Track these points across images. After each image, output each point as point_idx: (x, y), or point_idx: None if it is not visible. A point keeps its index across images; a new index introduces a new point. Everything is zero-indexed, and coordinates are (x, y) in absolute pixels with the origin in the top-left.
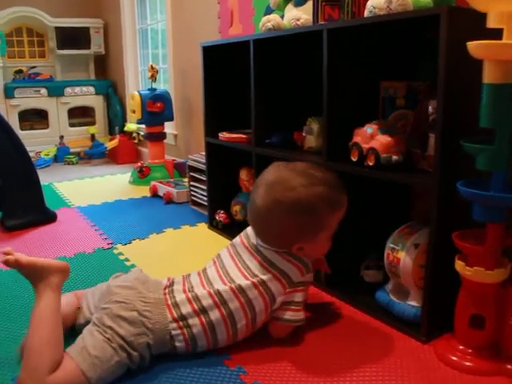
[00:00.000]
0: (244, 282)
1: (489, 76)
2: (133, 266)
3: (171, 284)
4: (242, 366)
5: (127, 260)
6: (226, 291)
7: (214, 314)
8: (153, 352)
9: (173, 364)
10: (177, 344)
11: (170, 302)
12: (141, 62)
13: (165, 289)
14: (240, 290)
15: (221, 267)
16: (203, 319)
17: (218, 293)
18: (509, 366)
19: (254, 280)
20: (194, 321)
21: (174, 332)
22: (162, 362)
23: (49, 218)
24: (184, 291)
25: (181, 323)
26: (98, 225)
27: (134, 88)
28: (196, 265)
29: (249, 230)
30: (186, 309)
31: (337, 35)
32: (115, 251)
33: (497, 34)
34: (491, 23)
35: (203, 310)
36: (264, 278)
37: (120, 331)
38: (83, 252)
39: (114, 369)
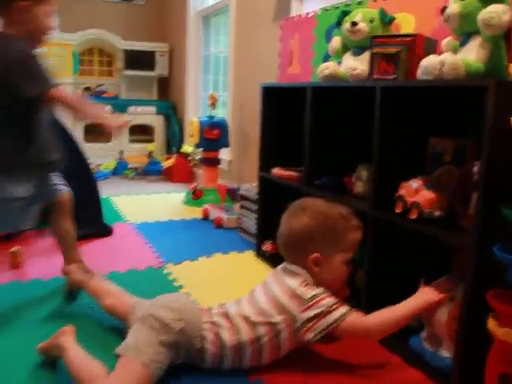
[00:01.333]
0: (276, 319)
1: None
2: (180, 286)
3: (209, 309)
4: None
5: (175, 281)
6: (260, 325)
7: (243, 335)
8: (185, 344)
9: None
10: (206, 345)
11: (206, 313)
12: (202, 87)
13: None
14: (271, 325)
15: (252, 299)
16: (233, 337)
17: (251, 322)
18: None
19: (285, 316)
20: (224, 332)
21: (205, 332)
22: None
23: (105, 231)
24: (219, 309)
25: (213, 328)
26: (151, 242)
27: (193, 110)
28: (241, 291)
29: (280, 265)
30: (219, 319)
31: (389, 93)
32: (165, 271)
33: None
34: None
35: (233, 327)
36: (291, 309)
37: (159, 314)
38: (135, 269)
39: (163, 350)
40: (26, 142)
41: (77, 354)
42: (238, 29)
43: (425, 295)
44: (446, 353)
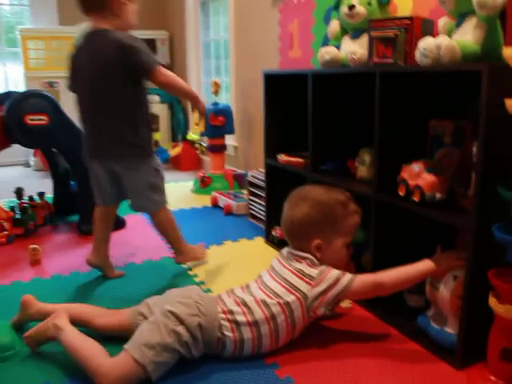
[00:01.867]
0: (290, 298)
1: None
2: (195, 275)
3: (220, 297)
4: (290, 376)
5: (190, 269)
6: (275, 305)
7: (259, 315)
8: (204, 337)
9: (222, 365)
10: (225, 333)
11: (220, 302)
12: (204, 73)
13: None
14: (286, 305)
15: (262, 283)
16: (249, 318)
17: (265, 303)
18: None
19: (297, 294)
20: (240, 317)
21: (222, 322)
22: (211, 362)
23: (119, 224)
24: (231, 297)
25: (229, 317)
26: None
27: None
28: (253, 277)
29: (283, 250)
30: (234, 307)
31: (389, 77)
32: None
33: None
34: None
35: (250, 313)
36: (302, 288)
37: (176, 310)
38: (150, 259)
39: (166, 354)
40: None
41: (74, 333)
42: (237, 13)
43: (439, 259)
44: (450, 330)
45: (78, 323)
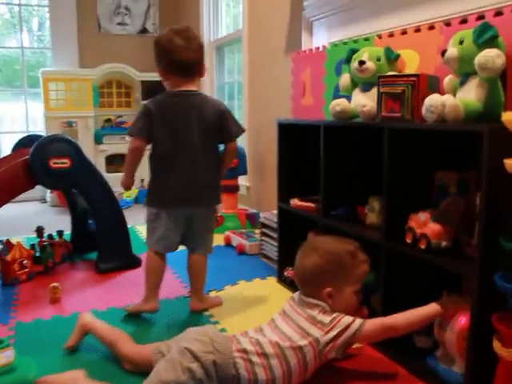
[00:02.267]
0: (302, 342)
1: None
2: (210, 315)
3: (235, 337)
4: None
5: (205, 310)
6: (287, 348)
7: (273, 358)
8: (219, 374)
9: None
10: (240, 371)
11: (235, 341)
12: None
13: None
14: (298, 349)
15: (275, 327)
16: (263, 361)
17: (279, 346)
18: None
19: (309, 339)
20: (254, 357)
21: (237, 360)
22: None
23: (135, 263)
24: (246, 338)
25: (244, 355)
26: (178, 272)
27: None
28: (267, 317)
29: (294, 295)
30: (248, 346)
31: (396, 132)
32: None
33: None
34: None
35: (264, 354)
36: (314, 333)
37: (192, 347)
38: (167, 298)
39: None
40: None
41: (103, 326)
42: (251, 58)
43: (445, 303)
44: (458, 370)
45: (109, 344)
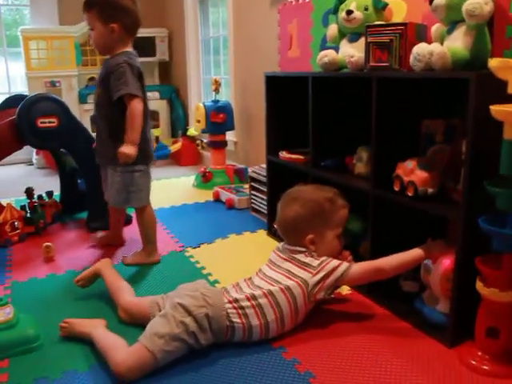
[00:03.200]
0: (291, 283)
1: (506, 133)
2: (202, 268)
3: (225, 289)
4: (296, 357)
5: (198, 262)
6: (277, 291)
7: (263, 300)
8: (212, 326)
9: (230, 351)
10: (233, 320)
11: (225, 293)
12: (203, 69)
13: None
14: (288, 290)
15: (264, 275)
16: (253, 302)
17: (270, 292)
18: None
19: (298, 280)
20: (246, 303)
21: (229, 310)
22: (220, 349)
23: (126, 220)
24: (236, 290)
25: (235, 304)
26: (169, 228)
27: (196, 94)
28: (258, 268)
29: (279, 245)
30: (238, 295)
31: (384, 81)
32: (186, 254)
33: None
34: (510, 89)
35: (254, 297)
36: (303, 276)
37: (184, 302)
38: (160, 254)
39: (174, 344)
40: None
41: (111, 273)
42: (236, 10)
43: (429, 247)
44: (442, 309)
45: (112, 291)
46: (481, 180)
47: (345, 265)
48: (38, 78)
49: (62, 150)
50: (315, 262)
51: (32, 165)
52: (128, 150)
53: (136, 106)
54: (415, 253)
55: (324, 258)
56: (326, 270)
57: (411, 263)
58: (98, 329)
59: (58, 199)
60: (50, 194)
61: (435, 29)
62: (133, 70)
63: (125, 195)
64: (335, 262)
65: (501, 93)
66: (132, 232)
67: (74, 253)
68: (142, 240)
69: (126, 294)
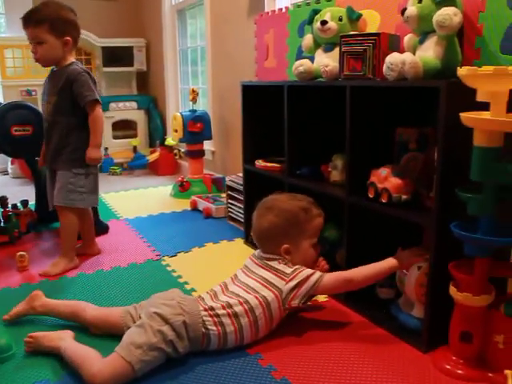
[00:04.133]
0: (266, 292)
1: (476, 140)
2: (179, 276)
3: (200, 297)
4: (272, 364)
5: (174, 271)
6: (252, 299)
7: (238, 308)
8: (189, 334)
9: (208, 358)
10: (209, 327)
11: (200, 300)
12: (180, 79)
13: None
14: (263, 298)
15: (239, 281)
16: (229, 310)
17: (244, 299)
18: (490, 375)
19: (273, 289)
20: (221, 311)
21: (205, 318)
22: (197, 356)
23: (103, 229)
24: (211, 298)
25: (210, 312)
26: (145, 237)
27: (174, 103)
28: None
29: (255, 252)
30: (213, 303)
31: (358, 90)
32: (163, 262)
33: (487, 104)
34: (479, 97)
35: (229, 305)
36: (276, 283)
37: (161, 311)
38: (135, 263)
39: (152, 353)
40: None
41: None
42: (214, 22)
43: (400, 257)
44: (416, 314)
45: (72, 316)
46: (452, 187)
47: (318, 274)
48: (13, 87)
49: (36, 158)
50: (288, 270)
51: (7, 174)
52: (95, 153)
53: (99, 111)
54: (387, 263)
55: (297, 266)
56: (299, 277)
57: (382, 273)
58: (66, 341)
59: (33, 208)
60: (25, 203)
61: (407, 39)
62: (91, 77)
63: (74, 195)
64: (308, 271)
65: (470, 100)
66: (108, 240)
67: (48, 262)
68: (62, 246)
69: (88, 311)
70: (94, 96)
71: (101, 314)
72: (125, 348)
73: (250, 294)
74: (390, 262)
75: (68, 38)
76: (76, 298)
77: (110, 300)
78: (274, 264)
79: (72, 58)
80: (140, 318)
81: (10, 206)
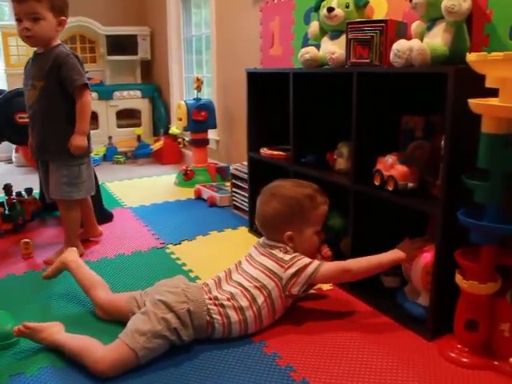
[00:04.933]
0: (267, 281)
1: (485, 126)
2: (184, 264)
3: (205, 283)
4: (277, 351)
5: (178, 259)
6: (253, 288)
7: (243, 301)
8: (194, 322)
9: (212, 345)
10: (213, 316)
11: (205, 287)
12: (185, 68)
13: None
14: (264, 288)
15: (242, 270)
16: (234, 303)
17: (246, 288)
18: (496, 363)
19: (272, 276)
20: (226, 303)
21: (210, 306)
22: (202, 344)
23: (107, 217)
24: (215, 285)
25: (216, 301)
26: (149, 225)
27: (178, 92)
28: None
29: (259, 239)
30: (218, 294)
31: (365, 77)
32: (167, 250)
33: (495, 91)
34: (488, 83)
35: (233, 297)
36: (276, 270)
37: (165, 299)
38: (140, 250)
39: (156, 341)
40: None
41: (82, 270)
42: (219, 9)
43: (403, 249)
44: (422, 302)
45: (88, 289)
46: (459, 174)
47: (316, 263)
48: (17, 75)
49: None
50: (287, 257)
51: (11, 163)
52: (80, 141)
53: (87, 96)
54: (388, 256)
55: (296, 254)
56: (298, 265)
57: (384, 266)
58: (61, 334)
59: (37, 196)
60: (29, 191)
61: (415, 26)
62: (79, 60)
63: (71, 188)
64: (306, 260)
65: (479, 87)
66: (113, 228)
67: (52, 250)
68: (66, 236)
69: (100, 292)
70: (83, 80)
71: (109, 298)
72: (129, 335)
73: (251, 282)
74: (391, 255)
75: (64, 17)
76: (76, 285)
77: (113, 287)
78: (276, 252)
79: (58, 40)
80: (145, 304)
81: (14, 193)
